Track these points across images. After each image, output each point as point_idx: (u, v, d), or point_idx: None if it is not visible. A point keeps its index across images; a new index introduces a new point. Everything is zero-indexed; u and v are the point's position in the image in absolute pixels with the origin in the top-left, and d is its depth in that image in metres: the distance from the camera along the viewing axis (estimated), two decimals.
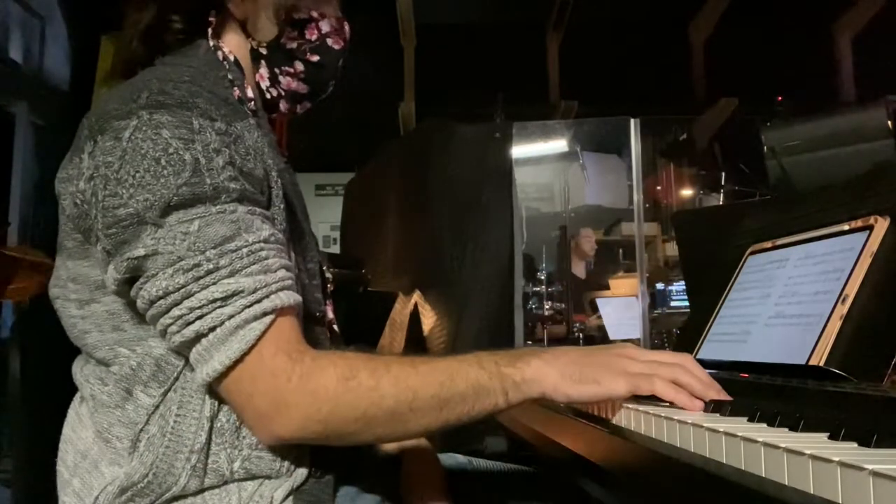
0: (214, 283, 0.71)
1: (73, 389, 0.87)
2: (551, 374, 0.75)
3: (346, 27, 0.95)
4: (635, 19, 6.26)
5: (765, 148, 1.18)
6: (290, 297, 0.75)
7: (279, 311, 0.73)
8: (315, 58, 0.92)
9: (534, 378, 0.75)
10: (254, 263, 0.73)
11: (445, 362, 0.76)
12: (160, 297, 0.71)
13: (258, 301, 0.72)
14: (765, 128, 1.22)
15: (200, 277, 0.71)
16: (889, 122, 1.05)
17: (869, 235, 0.84)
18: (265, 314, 0.72)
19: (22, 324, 1.04)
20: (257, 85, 0.92)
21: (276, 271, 0.74)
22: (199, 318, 0.71)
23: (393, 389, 0.72)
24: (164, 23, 0.85)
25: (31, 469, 0.91)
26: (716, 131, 6.03)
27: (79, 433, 0.83)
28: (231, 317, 0.71)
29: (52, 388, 0.89)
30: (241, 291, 0.71)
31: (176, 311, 0.71)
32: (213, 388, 0.76)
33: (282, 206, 0.81)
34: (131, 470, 0.77)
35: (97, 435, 0.80)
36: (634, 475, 0.68)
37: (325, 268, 0.96)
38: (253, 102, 0.87)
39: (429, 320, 2.57)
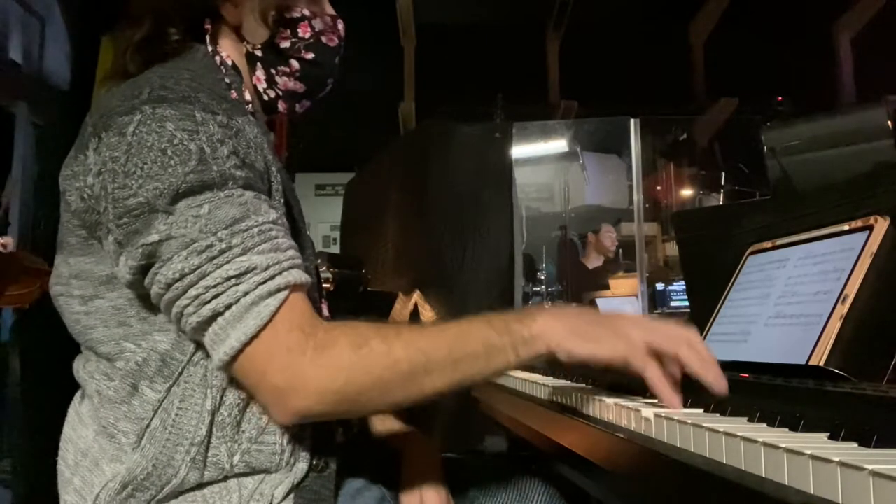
0: (228, 262, 0.72)
1: (72, 389, 0.87)
2: (557, 328, 0.76)
3: (340, 25, 0.96)
4: (635, 19, 6.27)
5: (765, 148, 1.17)
6: (302, 275, 0.76)
7: (292, 288, 0.74)
8: (310, 55, 0.92)
9: (542, 332, 0.76)
10: (265, 242, 0.74)
11: (455, 324, 0.77)
12: (177, 280, 0.72)
13: (272, 277, 0.73)
14: (765, 128, 1.21)
15: (214, 257, 0.71)
16: (889, 122, 1.05)
17: (869, 235, 0.85)
18: (279, 290, 0.73)
19: (22, 324, 1.04)
20: (255, 88, 0.92)
21: (286, 250, 0.76)
22: (216, 296, 0.72)
23: (405, 353, 0.73)
24: (160, 35, 0.86)
25: (31, 469, 0.91)
26: (716, 131, 6.04)
27: (79, 432, 0.83)
28: (246, 293, 0.72)
29: (52, 388, 0.89)
30: (255, 268, 0.72)
31: (193, 292, 0.72)
32: (226, 371, 0.76)
33: (281, 200, 0.81)
34: (133, 464, 0.77)
35: (99, 432, 0.81)
36: (635, 475, 0.68)
37: (321, 268, 0.96)
38: (250, 105, 0.88)
39: (429, 320, 2.56)
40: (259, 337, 0.72)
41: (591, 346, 0.75)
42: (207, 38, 0.88)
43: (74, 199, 0.78)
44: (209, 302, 0.72)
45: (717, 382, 0.73)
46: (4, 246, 2.66)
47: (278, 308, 0.73)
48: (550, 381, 1.06)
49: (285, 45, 0.91)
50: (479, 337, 0.76)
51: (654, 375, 0.74)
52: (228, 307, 0.72)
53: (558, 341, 0.76)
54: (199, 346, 0.77)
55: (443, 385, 0.75)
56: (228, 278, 0.72)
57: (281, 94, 0.94)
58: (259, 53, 0.91)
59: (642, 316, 0.82)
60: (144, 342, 0.79)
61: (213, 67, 0.85)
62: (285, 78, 0.93)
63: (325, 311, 0.95)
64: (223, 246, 0.72)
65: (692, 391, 0.75)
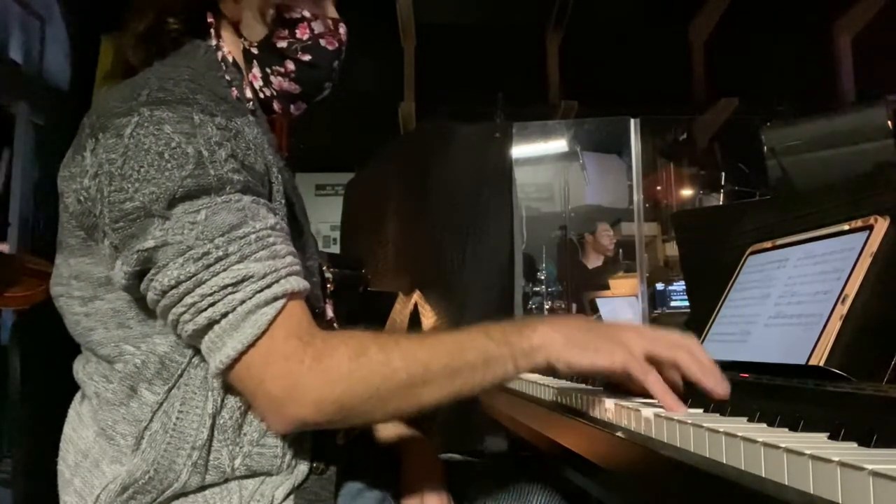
0: (225, 270, 0.71)
1: (72, 389, 0.87)
2: (557, 339, 0.76)
3: (342, 29, 0.95)
4: (635, 19, 6.26)
5: (765, 148, 1.17)
6: (300, 283, 0.75)
7: (290, 296, 0.74)
8: (307, 57, 0.92)
9: (541, 345, 0.75)
10: (262, 249, 0.73)
11: (453, 335, 0.77)
12: (172, 287, 0.72)
13: (269, 286, 0.72)
14: (765, 128, 1.21)
15: (211, 265, 0.71)
16: (889, 122, 1.05)
17: (869, 235, 0.85)
18: (276, 299, 0.73)
19: (22, 324, 1.04)
20: (251, 85, 0.92)
21: (284, 257, 0.75)
22: (212, 304, 0.71)
23: (403, 363, 0.73)
24: (161, 26, 0.85)
25: (31, 469, 0.91)
26: (716, 131, 6.03)
27: (79, 432, 0.83)
28: (243, 302, 0.71)
29: (52, 388, 0.89)
30: (252, 276, 0.72)
31: (188, 299, 0.72)
32: (223, 378, 0.76)
33: (282, 201, 0.81)
34: (133, 467, 0.77)
35: (99, 433, 0.80)
36: (635, 475, 0.68)
37: (324, 267, 0.96)
38: (251, 103, 0.88)
39: (429, 320, 2.56)
40: (256, 345, 0.71)
41: (590, 357, 0.75)
42: (212, 31, 0.88)
43: (72, 202, 0.78)
44: (205, 310, 0.71)
45: (717, 387, 0.73)
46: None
47: (275, 317, 0.72)
48: (551, 381, 1.06)
49: (282, 44, 0.91)
50: (478, 348, 0.75)
51: (655, 382, 0.73)
52: (225, 315, 0.71)
53: (557, 353, 0.75)
54: (199, 349, 0.77)
55: (440, 396, 0.75)
56: (225, 286, 0.71)
57: (276, 93, 0.93)
58: (255, 51, 0.91)
59: (640, 325, 0.81)
60: (144, 345, 0.79)
61: (213, 64, 0.85)
62: (280, 78, 0.92)
63: (330, 311, 0.95)
64: (220, 253, 0.71)
65: (692, 391, 0.75)
